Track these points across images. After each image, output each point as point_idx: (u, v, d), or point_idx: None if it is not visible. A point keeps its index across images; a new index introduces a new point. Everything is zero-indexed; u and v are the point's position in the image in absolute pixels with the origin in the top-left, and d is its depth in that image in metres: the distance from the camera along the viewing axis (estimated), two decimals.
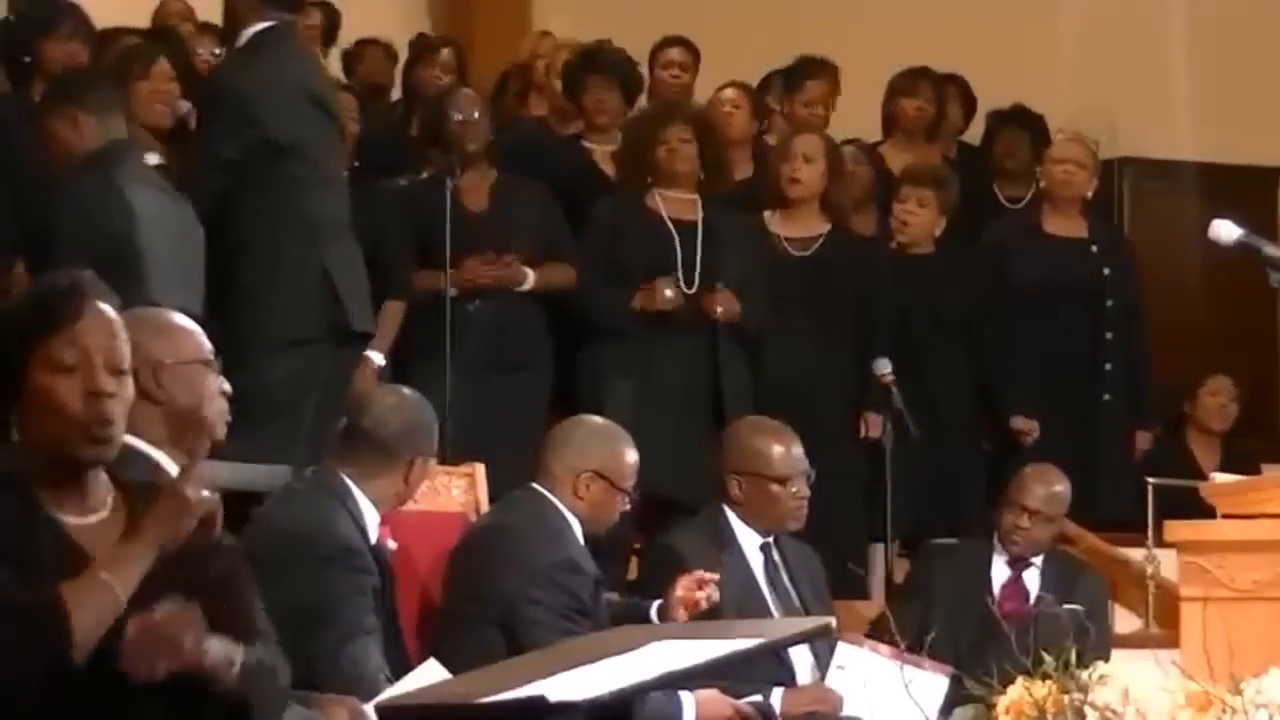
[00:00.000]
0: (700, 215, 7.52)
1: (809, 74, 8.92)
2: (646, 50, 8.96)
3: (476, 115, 7.59)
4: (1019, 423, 8.00)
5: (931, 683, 5.94)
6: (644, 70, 8.76)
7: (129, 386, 3.04)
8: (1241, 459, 8.03)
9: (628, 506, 5.62)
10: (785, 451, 6.07)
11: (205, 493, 3.01)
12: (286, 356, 6.40)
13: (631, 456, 5.58)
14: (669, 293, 7.29)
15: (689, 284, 7.39)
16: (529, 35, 9.69)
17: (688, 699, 5.41)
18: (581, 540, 5.50)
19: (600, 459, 5.53)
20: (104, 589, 2.89)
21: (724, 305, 7.34)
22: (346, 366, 6.74)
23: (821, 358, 7.60)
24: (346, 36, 9.34)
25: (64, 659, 2.86)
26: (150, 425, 3.86)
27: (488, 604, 5.35)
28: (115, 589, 2.90)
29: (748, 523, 6.03)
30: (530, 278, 7.41)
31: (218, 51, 7.89)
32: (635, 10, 10.30)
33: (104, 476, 3.09)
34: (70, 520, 3.03)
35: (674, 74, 8.89)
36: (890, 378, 7.33)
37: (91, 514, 3.05)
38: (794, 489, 6.05)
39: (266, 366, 6.30)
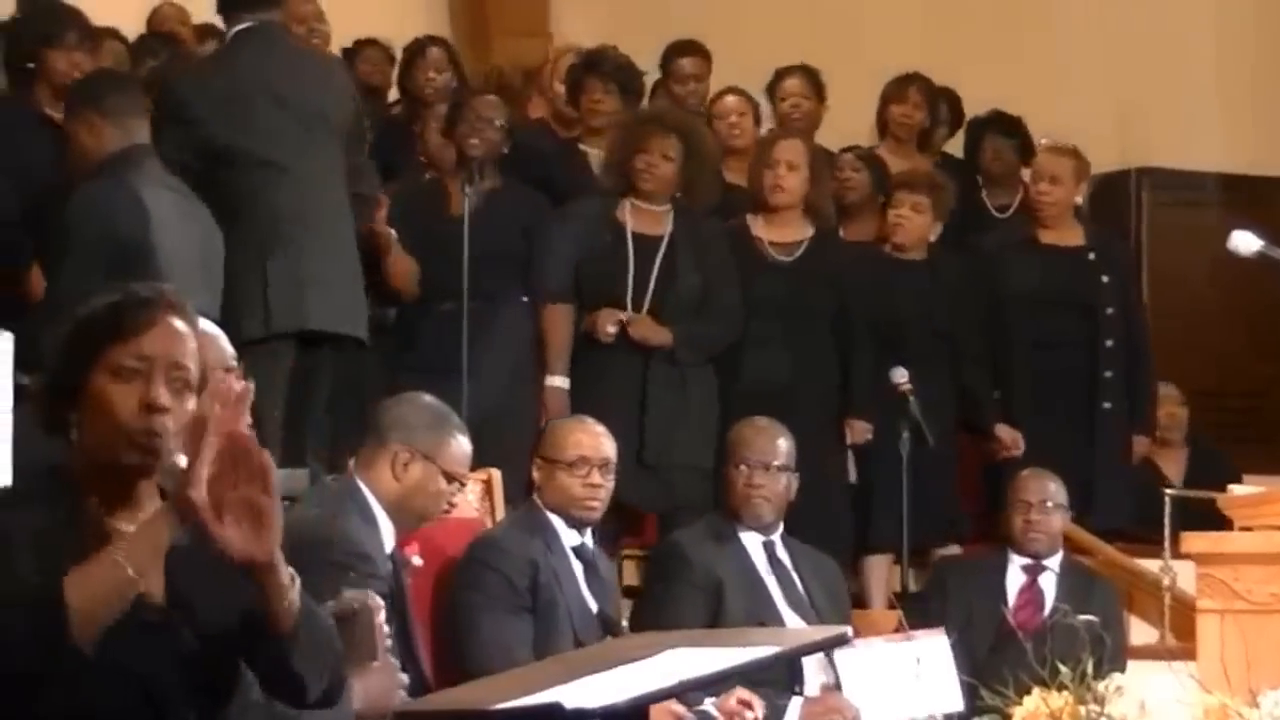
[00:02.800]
0: (669, 229, 7.47)
1: (784, 73, 8.98)
2: (662, 51, 9.01)
3: (492, 121, 7.63)
4: (1003, 432, 8.03)
5: (933, 646, 6.02)
6: (652, 75, 8.79)
7: (190, 404, 3.05)
8: (1208, 467, 8.13)
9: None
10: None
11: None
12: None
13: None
14: (610, 329, 7.28)
15: (638, 304, 7.36)
16: (548, 40, 9.72)
17: None
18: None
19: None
20: (113, 566, 2.91)
21: (647, 335, 7.30)
22: (323, 367, 6.71)
23: (803, 363, 7.62)
24: (361, 36, 9.35)
25: (64, 647, 2.87)
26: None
27: None
28: (126, 568, 2.91)
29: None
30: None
31: None
32: (651, 12, 10.34)
33: (154, 490, 3.12)
34: (117, 526, 3.05)
35: (690, 88, 8.95)
36: (907, 386, 7.38)
37: (139, 523, 3.05)
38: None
39: None
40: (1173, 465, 8.93)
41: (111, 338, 3.05)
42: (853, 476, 7.86)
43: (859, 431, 7.68)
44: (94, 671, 2.92)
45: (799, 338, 7.66)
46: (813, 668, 6.06)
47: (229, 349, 3.88)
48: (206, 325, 3.71)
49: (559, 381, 7.31)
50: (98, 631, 2.89)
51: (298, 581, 3.04)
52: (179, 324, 3.09)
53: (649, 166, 7.40)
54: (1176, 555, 6.09)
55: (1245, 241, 5.49)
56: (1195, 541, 5.42)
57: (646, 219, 7.47)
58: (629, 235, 7.43)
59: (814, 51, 9.36)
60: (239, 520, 2.92)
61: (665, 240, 7.44)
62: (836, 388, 7.68)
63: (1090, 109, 9.94)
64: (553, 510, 5.89)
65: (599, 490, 5.92)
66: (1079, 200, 8.51)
